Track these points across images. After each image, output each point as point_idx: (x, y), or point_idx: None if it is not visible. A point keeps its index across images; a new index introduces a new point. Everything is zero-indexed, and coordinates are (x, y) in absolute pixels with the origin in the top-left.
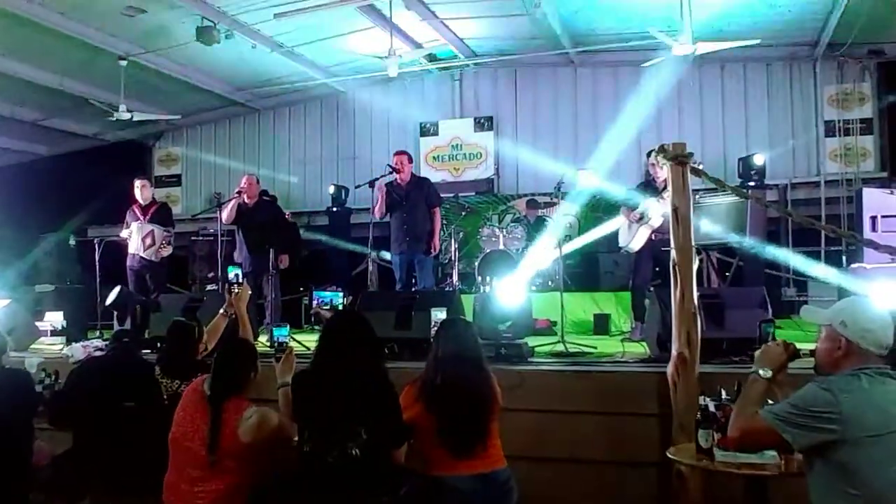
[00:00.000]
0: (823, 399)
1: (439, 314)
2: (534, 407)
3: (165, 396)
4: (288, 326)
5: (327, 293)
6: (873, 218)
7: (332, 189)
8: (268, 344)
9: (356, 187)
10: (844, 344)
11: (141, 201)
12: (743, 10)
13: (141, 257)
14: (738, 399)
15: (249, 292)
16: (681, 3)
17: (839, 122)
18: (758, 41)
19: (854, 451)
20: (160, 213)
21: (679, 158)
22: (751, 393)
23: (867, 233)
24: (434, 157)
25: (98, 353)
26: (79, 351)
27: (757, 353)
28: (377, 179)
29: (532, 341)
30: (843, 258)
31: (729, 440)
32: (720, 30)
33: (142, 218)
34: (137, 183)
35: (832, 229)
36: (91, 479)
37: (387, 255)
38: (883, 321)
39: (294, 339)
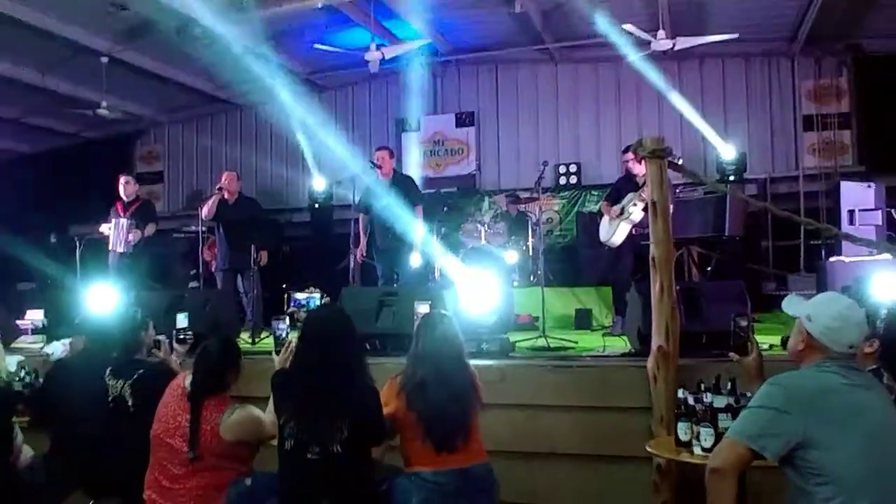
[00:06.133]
0: (772, 394)
1: (422, 307)
2: (515, 402)
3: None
4: (287, 319)
5: (304, 296)
6: (851, 212)
7: (318, 185)
8: (249, 341)
9: (337, 183)
10: (807, 338)
11: (124, 198)
12: (721, 4)
13: (121, 253)
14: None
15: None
16: None
17: (817, 116)
18: (736, 36)
19: (819, 445)
20: (142, 210)
21: (657, 153)
22: None
23: (845, 226)
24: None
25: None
26: (59, 349)
27: None
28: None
29: (513, 336)
30: (822, 252)
31: (714, 478)
32: (698, 25)
33: (122, 214)
34: (122, 179)
35: (810, 223)
36: (73, 478)
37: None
38: (850, 319)
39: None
